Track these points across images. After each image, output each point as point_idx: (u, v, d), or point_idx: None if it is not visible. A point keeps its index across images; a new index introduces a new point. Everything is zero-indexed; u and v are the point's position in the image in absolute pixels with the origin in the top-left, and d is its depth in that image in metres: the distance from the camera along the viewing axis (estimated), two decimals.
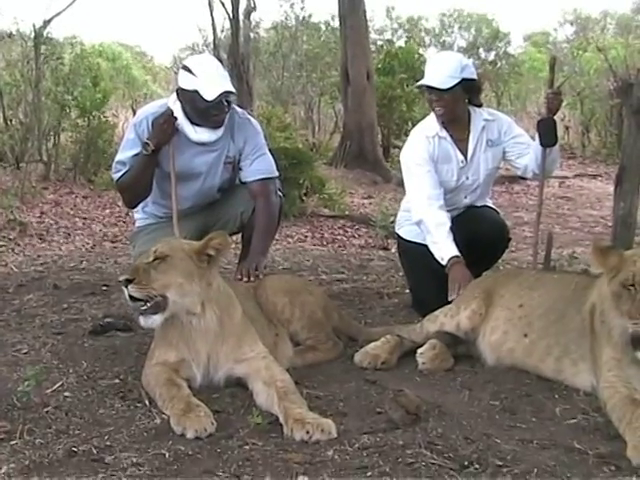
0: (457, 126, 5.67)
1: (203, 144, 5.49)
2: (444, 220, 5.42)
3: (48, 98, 14.98)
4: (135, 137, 5.45)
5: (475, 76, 5.63)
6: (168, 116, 5.35)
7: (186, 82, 5.34)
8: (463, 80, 5.48)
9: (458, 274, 5.19)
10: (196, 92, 5.27)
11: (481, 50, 29.63)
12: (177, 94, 5.45)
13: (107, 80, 17.59)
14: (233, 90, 5.39)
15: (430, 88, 5.51)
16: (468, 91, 5.59)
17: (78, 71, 15.62)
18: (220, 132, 5.47)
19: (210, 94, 5.25)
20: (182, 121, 5.41)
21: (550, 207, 13.14)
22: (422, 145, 5.62)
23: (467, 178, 5.70)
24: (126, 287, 3.82)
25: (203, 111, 5.34)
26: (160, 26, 54.76)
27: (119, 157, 5.52)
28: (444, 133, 5.64)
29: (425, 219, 5.46)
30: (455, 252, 5.29)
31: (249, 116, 5.80)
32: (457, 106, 5.59)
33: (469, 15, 32.65)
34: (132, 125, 5.58)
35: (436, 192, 5.51)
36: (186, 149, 5.48)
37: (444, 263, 5.30)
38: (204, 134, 5.45)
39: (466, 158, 5.67)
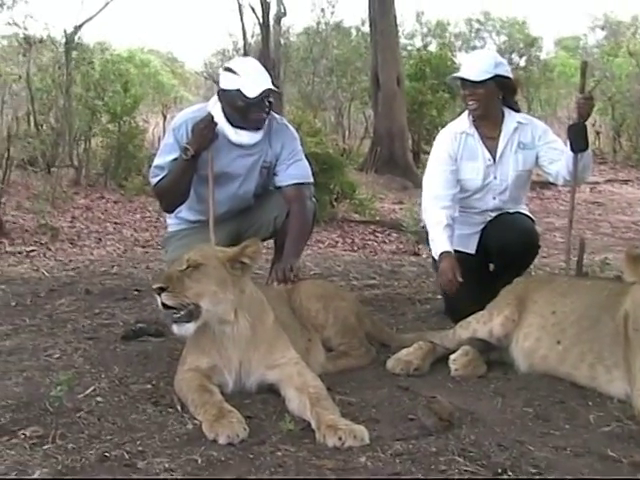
0: (488, 124, 5.68)
1: (242, 146, 5.47)
2: (441, 219, 5.44)
3: (79, 103, 15.13)
4: (174, 142, 5.45)
5: (510, 75, 5.65)
6: (209, 121, 5.33)
7: (228, 82, 5.35)
8: (497, 76, 5.49)
9: (446, 265, 5.27)
10: (238, 91, 5.27)
11: (514, 55, 29.48)
12: (219, 96, 5.45)
13: (137, 86, 17.68)
14: (275, 88, 5.42)
15: (463, 81, 5.54)
16: (502, 88, 5.59)
17: (108, 76, 15.72)
18: (259, 135, 5.46)
19: (252, 92, 5.25)
20: (222, 124, 5.39)
21: (581, 212, 13.10)
22: (446, 143, 5.68)
23: (495, 178, 5.68)
24: (159, 295, 3.81)
25: (244, 110, 5.34)
26: (192, 32, 55.14)
27: (157, 162, 5.52)
28: (472, 130, 5.67)
29: (426, 218, 5.57)
30: (447, 247, 5.35)
31: (286, 122, 5.81)
32: (490, 102, 5.59)
33: (499, 20, 32.57)
34: (171, 130, 5.58)
35: (444, 193, 5.55)
36: (226, 152, 5.47)
37: (437, 258, 5.37)
38: (244, 136, 5.43)
39: (494, 157, 5.67)
